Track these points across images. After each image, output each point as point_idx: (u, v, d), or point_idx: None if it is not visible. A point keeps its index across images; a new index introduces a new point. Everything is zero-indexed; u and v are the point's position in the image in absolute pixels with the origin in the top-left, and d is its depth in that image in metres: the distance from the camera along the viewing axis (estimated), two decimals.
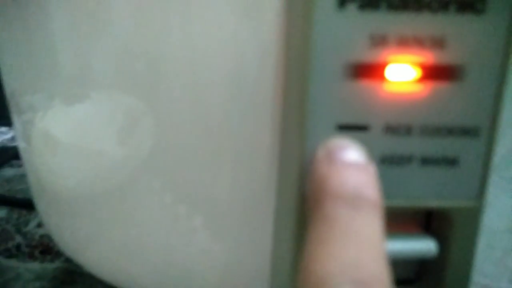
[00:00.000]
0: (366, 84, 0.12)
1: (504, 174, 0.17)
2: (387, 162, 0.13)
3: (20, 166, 0.40)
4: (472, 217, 0.13)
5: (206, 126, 0.15)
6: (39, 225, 0.31)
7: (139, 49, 0.15)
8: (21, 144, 0.22)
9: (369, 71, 0.12)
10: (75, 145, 0.19)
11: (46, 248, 0.29)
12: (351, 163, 0.11)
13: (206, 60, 0.14)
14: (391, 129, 0.12)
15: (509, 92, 0.12)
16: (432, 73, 0.12)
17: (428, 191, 0.13)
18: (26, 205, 0.32)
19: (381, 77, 0.12)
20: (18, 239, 0.30)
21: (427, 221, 0.14)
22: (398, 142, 0.12)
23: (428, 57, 0.12)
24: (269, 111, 0.14)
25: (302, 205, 0.13)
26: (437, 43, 0.12)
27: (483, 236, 0.14)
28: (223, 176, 0.16)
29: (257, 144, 0.15)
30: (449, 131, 0.12)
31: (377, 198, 0.11)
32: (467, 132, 0.12)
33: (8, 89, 0.21)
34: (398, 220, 0.14)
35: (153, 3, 0.14)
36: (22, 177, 0.37)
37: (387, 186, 0.13)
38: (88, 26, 0.16)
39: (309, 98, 0.12)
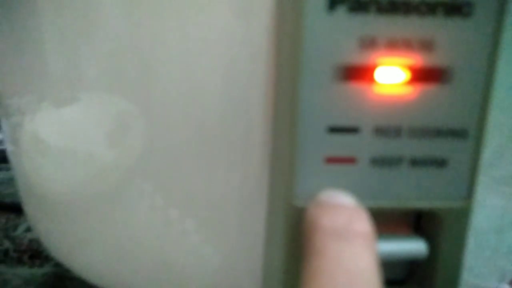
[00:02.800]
0: (356, 86, 0.12)
1: (493, 174, 0.17)
2: (377, 164, 0.13)
3: (8, 169, 0.39)
4: (461, 217, 0.13)
5: (198, 128, 0.15)
6: (28, 229, 0.31)
7: (130, 51, 0.15)
8: (9, 147, 0.22)
9: (359, 73, 0.12)
10: (64, 148, 0.18)
11: (35, 253, 0.28)
12: (341, 204, 0.12)
13: (198, 62, 0.14)
14: (381, 131, 0.12)
15: (497, 92, 0.13)
16: (421, 75, 0.12)
17: (417, 192, 0.13)
18: (15, 209, 0.32)
19: (371, 79, 0.12)
20: (6, 244, 0.29)
21: (417, 222, 0.14)
22: (388, 144, 0.12)
23: (417, 59, 0.12)
24: (261, 113, 0.14)
25: (293, 209, 0.13)
26: (426, 45, 0.12)
27: (473, 236, 0.14)
28: (215, 179, 0.16)
29: (250, 146, 0.15)
30: (438, 133, 0.13)
31: (368, 230, 0.11)
32: (456, 133, 0.13)
33: None
34: (388, 222, 0.14)
35: (144, 3, 0.14)
36: (10, 180, 0.37)
37: (377, 187, 0.13)
38: (77, 27, 0.16)
39: (300, 100, 0.12)
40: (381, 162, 0.13)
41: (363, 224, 0.11)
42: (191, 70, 0.15)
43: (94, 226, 0.19)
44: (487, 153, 0.15)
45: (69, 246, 0.21)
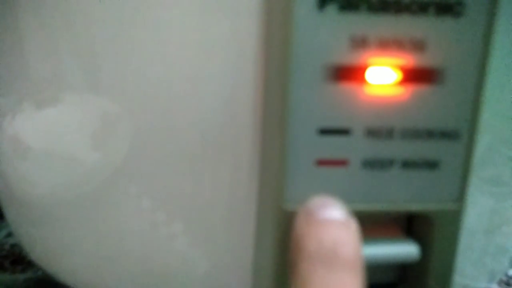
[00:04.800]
0: (347, 87, 0.12)
1: (482, 174, 0.17)
2: (368, 166, 0.12)
3: None
4: (453, 220, 0.13)
5: (185, 129, 0.15)
6: (10, 234, 0.30)
7: (113, 49, 0.15)
8: None
9: (349, 73, 0.12)
10: (46, 150, 0.18)
11: (17, 258, 0.28)
12: (329, 220, 0.11)
13: (184, 62, 0.14)
14: (373, 132, 0.12)
15: (486, 93, 0.13)
16: (412, 75, 0.12)
17: (409, 194, 0.13)
18: None
19: (362, 80, 0.12)
20: None
21: (409, 225, 0.14)
22: (380, 146, 0.12)
23: (408, 59, 0.12)
24: (251, 115, 0.14)
25: (283, 212, 0.12)
26: (417, 45, 0.12)
27: (462, 236, 0.14)
28: (203, 181, 0.16)
29: (238, 148, 0.15)
30: (430, 134, 0.12)
31: (355, 256, 0.11)
32: (447, 135, 0.12)
33: None
34: (380, 224, 0.14)
35: (125, 3, 0.14)
36: None
37: (368, 190, 0.13)
38: (58, 26, 0.15)
39: (289, 102, 0.12)
40: (372, 164, 0.12)
41: (350, 247, 0.11)
42: (177, 71, 0.14)
43: (78, 231, 0.19)
44: (476, 154, 0.15)
45: (52, 251, 0.20)
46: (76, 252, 0.19)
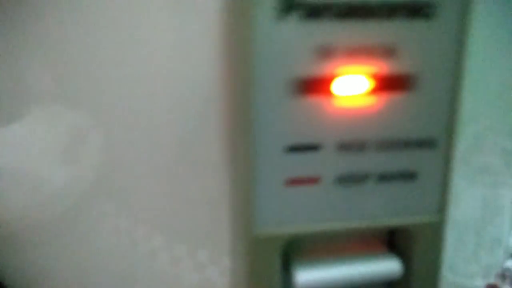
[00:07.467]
0: (314, 100, 0.11)
1: (472, 164, 0.16)
2: (342, 182, 0.12)
3: None
4: (435, 232, 0.12)
5: (158, 142, 0.14)
6: None
7: (78, 60, 0.14)
8: None
9: (316, 85, 0.11)
10: (14, 169, 0.17)
11: None
12: None
13: (151, 73, 0.13)
14: (345, 146, 0.11)
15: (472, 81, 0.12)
16: (384, 84, 0.11)
17: (387, 209, 0.12)
18: None
19: (330, 92, 0.11)
20: None
21: (390, 239, 0.13)
22: (353, 160, 0.12)
23: (379, 67, 0.11)
24: (220, 131, 0.13)
25: (253, 238, 0.12)
26: (388, 51, 0.11)
27: (454, 231, 0.13)
28: (180, 194, 0.15)
29: (212, 160, 0.14)
30: (405, 144, 0.12)
31: None
32: (424, 144, 0.12)
33: None
34: (360, 241, 0.13)
35: (86, 12, 0.13)
36: None
37: (344, 207, 0.12)
38: (22, 36, 0.14)
39: (254, 119, 0.11)
40: (346, 180, 0.12)
41: None
42: (147, 85, 0.14)
43: (53, 254, 0.18)
44: (465, 142, 0.14)
45: (28, 276, 0.19)
46: (53, 275, 0.19)
